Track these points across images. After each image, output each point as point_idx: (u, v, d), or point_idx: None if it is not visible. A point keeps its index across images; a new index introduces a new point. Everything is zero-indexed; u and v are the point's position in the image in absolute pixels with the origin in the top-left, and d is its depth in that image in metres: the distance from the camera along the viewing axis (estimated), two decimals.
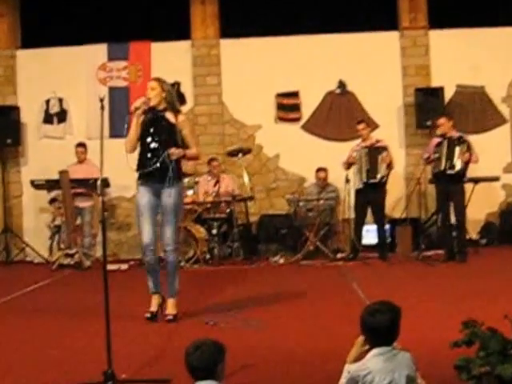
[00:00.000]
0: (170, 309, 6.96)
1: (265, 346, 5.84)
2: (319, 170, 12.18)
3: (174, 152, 6.64)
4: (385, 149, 11.02)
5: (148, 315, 6.90)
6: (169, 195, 6.71)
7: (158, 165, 6.62)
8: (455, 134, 10.49)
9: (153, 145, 6.72)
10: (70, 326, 6.89)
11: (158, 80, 6.92)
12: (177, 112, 6.87)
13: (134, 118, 6.77)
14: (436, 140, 10.68)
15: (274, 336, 6.19)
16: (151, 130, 6.75)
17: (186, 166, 7.15)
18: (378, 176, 10.87)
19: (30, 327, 6.90)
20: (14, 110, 12.61)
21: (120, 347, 5.42)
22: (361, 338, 3.86)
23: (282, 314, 7.17)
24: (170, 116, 6.79)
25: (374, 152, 10.96)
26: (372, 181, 10.86)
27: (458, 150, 10.25)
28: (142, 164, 6.80)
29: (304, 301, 7.90)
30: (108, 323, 5.20)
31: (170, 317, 6.87)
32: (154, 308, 6.98)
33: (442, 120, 10.58)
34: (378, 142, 11.20)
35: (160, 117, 6.77)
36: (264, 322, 6.62)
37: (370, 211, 11.15)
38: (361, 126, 11.24)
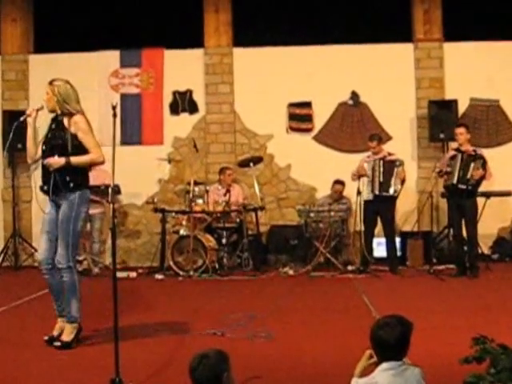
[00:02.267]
0: (64, 334, 6.34)
1: (273, 358, 5.80)
2: (337, 182, 12.08)
3: (50, 162, 6.17)
4: (401, 163, 10.93)
5: (45, 338, 6.36)
6: (61, 209, 6.27)
7: (42, 177, 6.29)
8: (469, 148, 10.39)
9: (46, 154, 6.31)
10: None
11: (51, 83, 6.36)
12: (71, 114, 6.31)
13: (28, 127, 6.35)
14: (451, 153, 10.60)
15: (282, 347, 6.14)
16: (47, 139, 6.35)
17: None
18: (391, 190, 10.78)
19: (37, 333, 6.84)
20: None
21: (128, 356, 5.37)
22: (368, 352, 3.81)
23: (291, 325, 7.12)
24: (65, 121, 6.30)
25: (390, 165, 10.86)
26: (384, 194, 10.77)
27: (472, 165, 10.14)
28: (41, 176, 6.39)
29: (313, 313, 7.84)
30: (116, 331, 5.17)
31: (58, 343, 6.23)
32: (55, 332, 6.43)
33: (461, 129, 10.46)
34: (390, 154, 11.11)
35: (57, 123, 6.33)
36: (272, 333, 6.57)
37: (379, 224, 11.07)
38: (373, 144, 11.10)
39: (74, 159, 6.23)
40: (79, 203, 6.32)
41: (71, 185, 6.26)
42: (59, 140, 6.26)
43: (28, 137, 6.38)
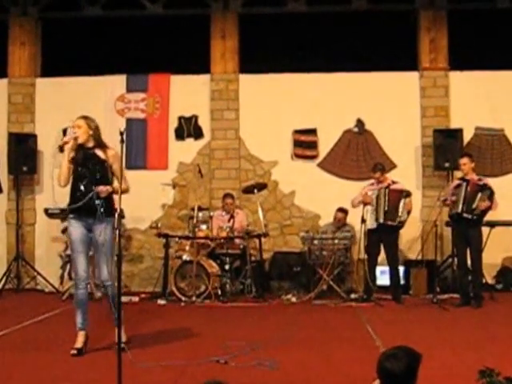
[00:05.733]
0: (123, 336, 6.81)
1: None
2: (340, 210, 12.05)
3: (102, 190, 6.85)
4: (409, 194, 10.91)
5: (74, 352, 6.88)
6: (100, 233, 6.92)
7: (84, 201, 6.83)
8: (475, 177, 10.39)
9: (85, 182, 6.95)
10: (80, 358, 6.80)
11: (85, 118, 7.08)
12: (105, 147, 7.07)
13: (65, 152, 6.95)
14: (456, 182, 10.59)
15: (285, 376, 6.08)
16: (83, 168, 6.97)
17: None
18: (398, 220, 10.77)
19: (39, 358, 6.83)
20: (32, 137, 12.63)
21: (130, 382, 5.33)
22: (375, 383, 3.76)
23: (293, 353, 7.05)
24: (99, 153, 7.02)
25: (397, 195, 10.83)
26: (390, 223, 10.75)
27: (479, 195, 10.14)
28: (74, 201, 6.99)
29: (317, 341, 7.78)
30: (120, 357, 5.14)
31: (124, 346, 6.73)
32: (79, 345, 7.00)
33: (464, 160, 10.46)
34: (394, 182, 11.10)
35: (91, 154, 6.99)
36: (275, 361, 6.51)
37: (383, 252, 11.03)
38: (376, 175, 11.08)
39: (116, 188, 6.85)
40: (114, 226, 6.93)
41: (111, 210, 7.00)
42: (99, 171, 6.95)
43: (67, 162, 6.93)
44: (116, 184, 7.00)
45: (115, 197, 6.97)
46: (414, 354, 3.68)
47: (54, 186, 6.91)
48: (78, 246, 6.99)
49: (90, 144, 6.99)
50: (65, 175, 6.96)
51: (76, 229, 6.99)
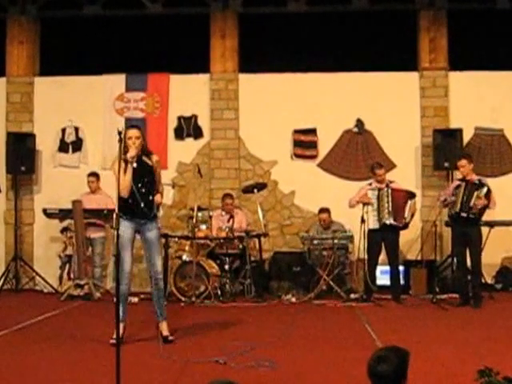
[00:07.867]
0: (166, 330, 7.69)
1: None
2: (321, 211, 11.99)
3: (158, 200, 7.66)
4: (413, 196, 10.91)
5: (113, 341, 7.03)
6: (151, 229, 7.65)
7: (148, 211, 7.55)
8: (474, 177, 10.38)
9: (138, 187, 7.51)
10: (79, 359, 6.79)
11: (139, 129, 7.71)
12: (149, 154, 7.68)
13: (129, 167, 7.42)
14: (456, 182, 10.57)
15: (285, 376, 6.08)
16: (134, 175, 7.45)
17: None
18: (403, 221, 10.76)
19: (38, 358, 6.82)
20: (30, 137, 12.60)
21: (130, 382, 5.31)
22: None
23: (294, 353, 7.04)
24: (147, 160, 7.60)
25: (401, 195, 10.80)
26: (395, 223, 10.72)
27: (475, 194, 10.13)
28: (126, 204, 7.42)
29: (317, 341, 7.77)
30: (118, 357, 5.12)
31: (171, 337, 7.62)
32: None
33: (463, 162, 10.42)
34: (391, 182, 11.07)
35: (140, 161, 7.53)
36: (275, 361, 6.50)
37: (383, 252, 11.00)
38: (381, 172, 11.05)
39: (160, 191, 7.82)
40: (159, 226, 7.97)
41: (156, 212, 7.74)
42: (150, 177, 7.57)
43: (129, 174, 7.38)
44: (160, 189, 7.79)
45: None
46: (402, 355, 3.63)
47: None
48: (126, 245, 7.51)
49: (139, 153, 7.48)
50: (129, 187, 7.41)
51: (127, 228, 7.50)
